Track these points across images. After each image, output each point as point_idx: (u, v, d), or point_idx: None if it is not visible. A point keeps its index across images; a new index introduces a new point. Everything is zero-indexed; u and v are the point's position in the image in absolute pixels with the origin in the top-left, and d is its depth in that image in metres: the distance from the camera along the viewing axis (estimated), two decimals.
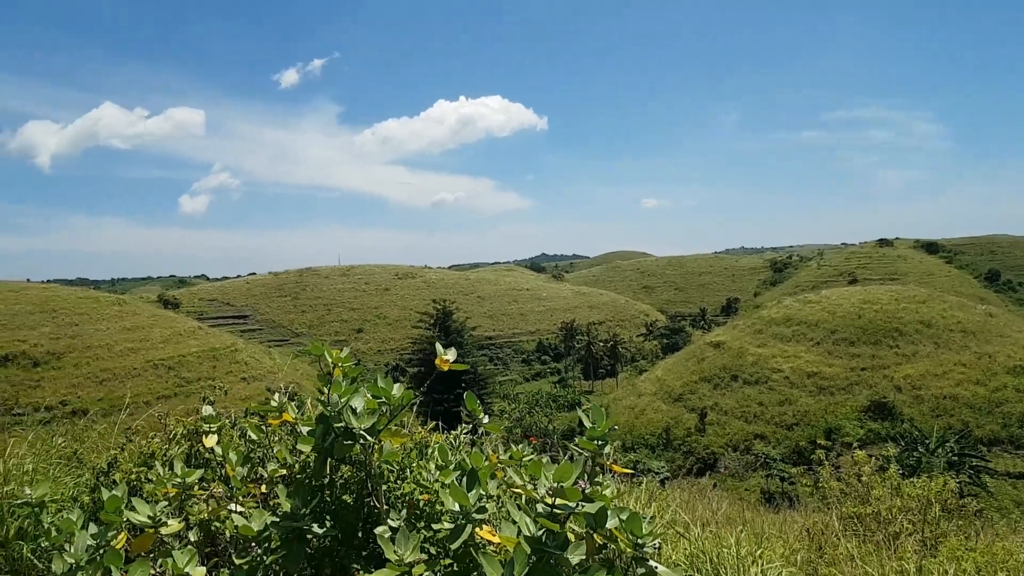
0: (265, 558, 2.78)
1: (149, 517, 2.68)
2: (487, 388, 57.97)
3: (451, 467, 3.10)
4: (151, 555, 2.76)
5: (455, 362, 3.10)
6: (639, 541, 2.63)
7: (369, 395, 2.93)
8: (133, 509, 2.70)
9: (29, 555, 3.94)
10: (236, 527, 3.00)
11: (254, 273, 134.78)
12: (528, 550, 2.46)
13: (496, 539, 2.59)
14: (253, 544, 2.92)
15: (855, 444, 36.18)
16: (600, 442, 2.86)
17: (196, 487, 3.15)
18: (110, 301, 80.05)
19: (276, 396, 3.40)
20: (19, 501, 4.15)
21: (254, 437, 3.71)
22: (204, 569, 2.69)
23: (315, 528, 2.82)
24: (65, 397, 61.14)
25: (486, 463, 2.98)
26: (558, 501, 2.54)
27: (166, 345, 71.62)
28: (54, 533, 2.67)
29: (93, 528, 2.65)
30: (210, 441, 3.73)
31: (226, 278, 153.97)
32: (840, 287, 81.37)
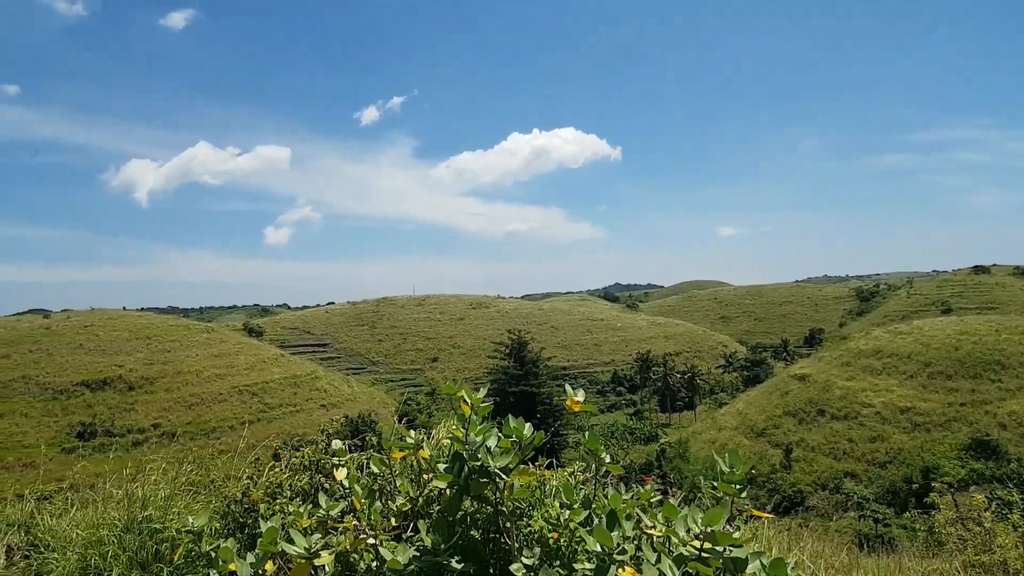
0: None
1: (305, 549, 2.78)
2: (561, 419, 57.47)
3: (576, 506, 3.10)
4: None
5: (584, 402, 3.11)
6: None
7: (502, 434, 2.97)
8: (290, 540, 2.80)
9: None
10: (375, 559, 3.07)
11: (333, 303, 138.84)
12: None
13: None
14: None
15: (956, 485, 33.89)
16: (738, 486, 2.80)
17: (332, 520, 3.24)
18: (199, 329, 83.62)
19: (412, 432, 3.48)
20: (158, 525, 4.37)
21: (375, 470, 3.79)
22: None
23: (453, 563, 2.86)
24: (157, 420, 63.92)
25: (623, 504, 2.97)
26: (706, 545, 2.50)
27: (251, 372, 74.08)
28: (220, 561, 2.79)
29: (250, 557, 2.77)
30: (340, 475, 3.82)
31: (306, 307, 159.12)
32: (933, 317, 77.15)
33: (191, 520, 3.25)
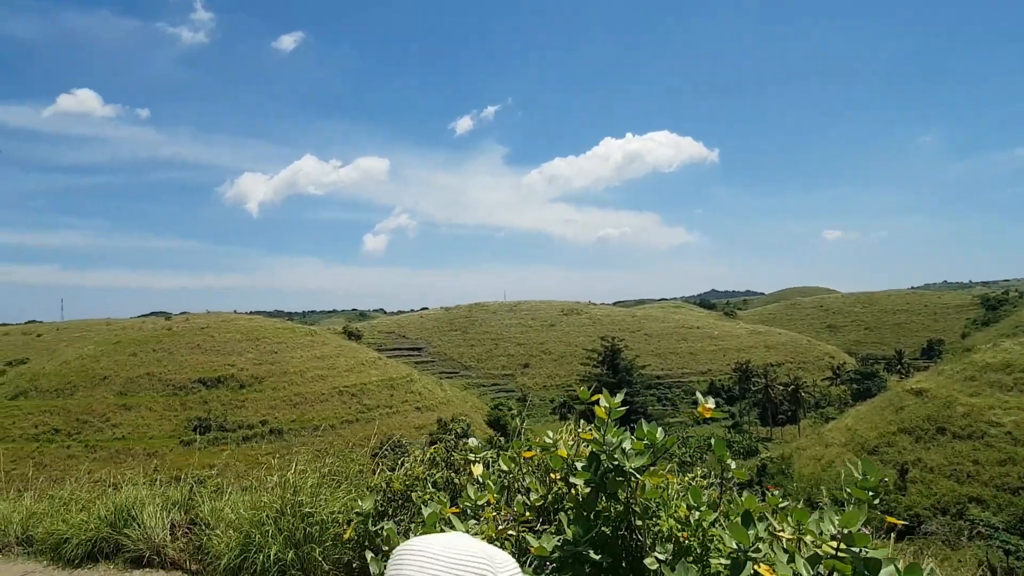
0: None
1: (470, 529, 3.10)
2: None
3: (703, 507, 3.30)
4: None
5: (715, 409, 3.30)
6: None
7: (635, 438, 3.21)
8: (450, 525, 3.13)
9: (319, 556, 4.57)
10: (514, 548, 3.36)
11: (426, 308, 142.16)
12: None
13: None
14: (534, 562, 3.24)
15: None
16: (872, 492, 2.90)
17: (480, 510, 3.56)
18: (303, 332, 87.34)
19: (551, 433, 3.76)
20: (309, 509, 4.81)
21: (503, 467, 4.08)
22: None
23: (592, 554, 3.11)
24: (264, 417, 67.24)
25: (757, 507, 3.14)
26: (842, 546, 2.64)
27: (350, 373, 76.60)
28: (391, 540, 3.15)
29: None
30: (477, 470, 4.14)
31: (401, 312, 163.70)
32: None
33: (361, 503, 3.63)
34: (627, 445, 3.23)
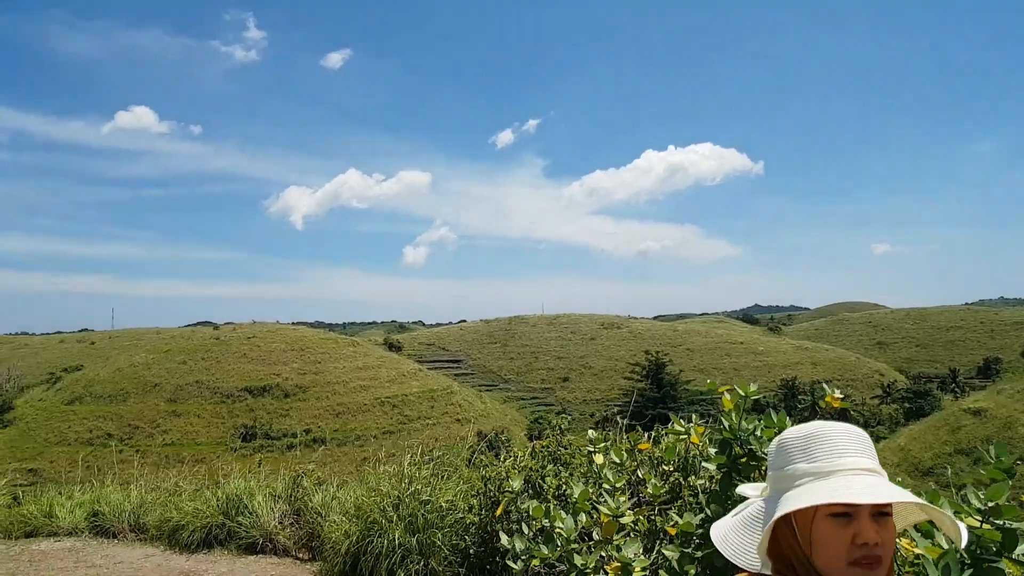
0: (696, 552, 3.33)
1: (612, 510, 3.35)
2: None
3: None
4: (611, 539, 3.43)
5: (843, 400, 3.50)
6: None
7: (764, 425, 3.43)
8: (602, 503, 3.39)
9: (439, 542, 4.87)
10: (656, 527, 3.61)
11: (465, 320, 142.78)
12: (965, 556, 2.79)
13: (916, 549, 2.93)
14: (672, 540, 3.48)
15: None
16: (1008, 472, 3.08)
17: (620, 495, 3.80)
18: (346, 343, 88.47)
19: (681, 421, 4.00)
20: (423, 499, 5.10)
21: (615, 459, 4.31)
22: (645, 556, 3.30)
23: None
24: (308, 426, 68.18)
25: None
26: (990, 519, 2.83)
27: (391, 384, 77.23)
28: (537, 516, 3.42)
29: (568, 517, 3.38)
30: (599, 459, 4.40)
31: (440, 324, 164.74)
32: None
33: (512, 482, 3.91)
34: (759, 432, 3.46)
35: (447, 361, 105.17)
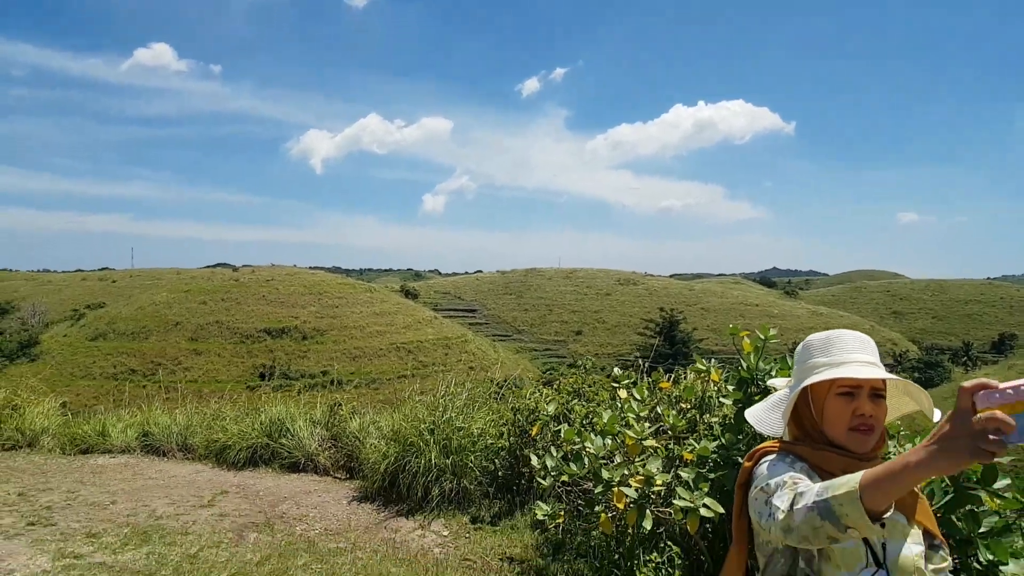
0: (709, 474, 3.74)
1: (637, 434, 3.76)
2: None
3: None
4: (634, 459, 3.84)
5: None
6: None
7: (779, 368, 3.80)
8: (628, 427, 3.80)
9: (469, 461, 5.33)
10: (674, 455, 4.02)
11: (481, 271, 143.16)
12: (948, 482, 3.18)
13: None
14: (687, 462, 3.88)
15: None
16: None
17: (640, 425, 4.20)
18: (363, 288, 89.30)
19: (703, 360, 4.38)
20: (457, 425, 5.55)
21: (637, 396, 4.69)
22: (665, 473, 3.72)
23: (741, 459, 3.75)
24: (325, 368, 69.49)
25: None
26: None
27: (407, 331, 78.09)
28: (569, 438, 3.84)
29: (597, 439, 3.80)
30: (622, 394, 4.80)
31: (456, 274, 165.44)
32: None
33: (547, 406, 4.32)
34: (775, 373, 3.84)
35: (462, 310, 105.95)
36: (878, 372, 1.41)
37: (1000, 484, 3.27)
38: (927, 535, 1.45)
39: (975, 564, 3.18)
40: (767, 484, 1.30)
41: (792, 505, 1.17)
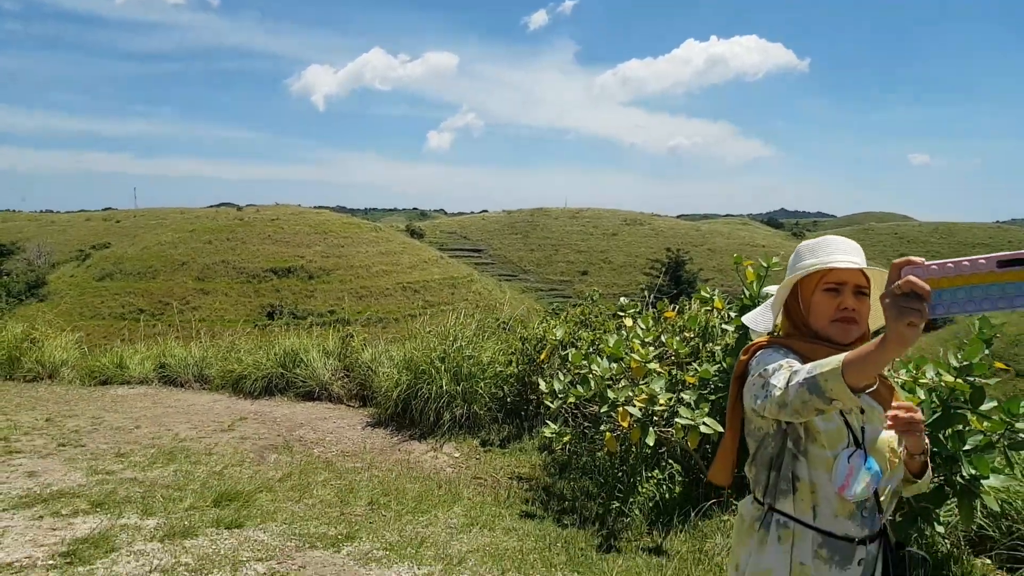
0: (709, 396, 3.90)
1: (642, 357, 3.91)
2: None
3: None
4: (638, 380, 4.00)
5: None
6: (1016, 422, 3.39)
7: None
8: (632, 353, 3.95)
9: (479, 388, 5.50)
10: (678, 379, 4.18)
11: (486, 210, 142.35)
12: (936, 402, 3.34)
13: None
14: (699, 384, 4.05)
15: None
16: (987, 342, 3.57)
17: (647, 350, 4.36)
18: (368, 228, 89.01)
19: (707, 288, 4.50)
20: (467, 354, 5.70)
21: (643, 325, 4.83)
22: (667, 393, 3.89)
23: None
24: (332, 307, 69.88)
25: None
26: (963, 377, 3.36)
27: (413, 270, 78.14)
28: (576, 361, 3.99)
29: (603, 360, 3.95)
30: (628, 322, 4.94)
31: (461, 213, 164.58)
32: None
33: (555, 332, 4.47)
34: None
35: (468, 250, 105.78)
36: (862, 265, 1.51)
37: (987, 406, 3.43)
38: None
39: (958, 479, 3.37)
40: (765, 369, 1.43)
41: (788, 383, 1.31)
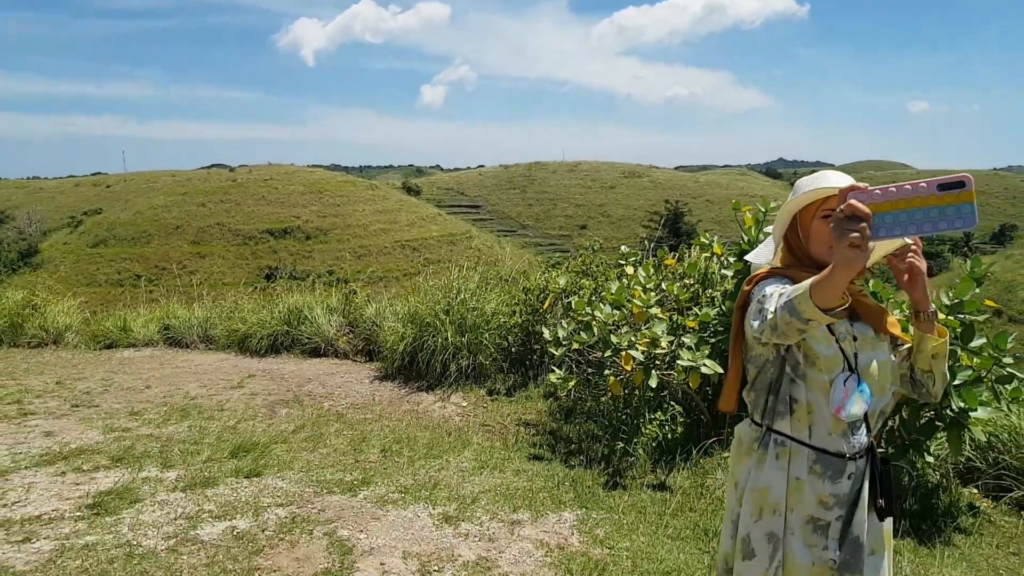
0: (709, 339, 3.99)
1: (643, 302, 3.98)
2: None
3: None
4: (640, 325, 4.08)
5: None
6: (1003, 357, 3.49)
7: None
8: (633, 299, 4.02)
9: (484, 339, 5.58)
10: (678, 323, 4.26)
11: (483, 165, 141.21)
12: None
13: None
14: (699, 327, 4.13)
15: None
16: (978, 281, 3.65)
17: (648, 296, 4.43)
18: (364, 186, 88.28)
19: (707, 234, 4.55)
20: (471, 306, 5.78)
21: (643, 273, 4.89)
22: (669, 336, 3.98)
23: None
24: (331, 267, 69.74)
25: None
26: (954, 314, 3.44)
27: (411, 228, 77.72)
28: (579, 308, 4.07)
29: (606, 307, 4.03)
30: (629, 269, 5.00)
31: (458, 169, 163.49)
32: None
33: (558, 280, 4.53)
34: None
35: (466, 206, 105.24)
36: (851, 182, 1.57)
37: (976, 343, 3.53)
38: (893, 340, 1.68)
39: (948, 412, 3.48)
40: (763, 296, 1.52)
41: (777, 306, 1.41)
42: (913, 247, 1.55)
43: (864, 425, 1.61)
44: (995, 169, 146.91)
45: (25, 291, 9.98)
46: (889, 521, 1.65)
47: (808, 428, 1.61)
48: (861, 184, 1.23)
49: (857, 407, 1.55)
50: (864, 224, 1.16)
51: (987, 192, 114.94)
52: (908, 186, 1.18)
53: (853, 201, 1.17)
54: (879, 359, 1.59)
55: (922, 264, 1.57)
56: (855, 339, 1.59)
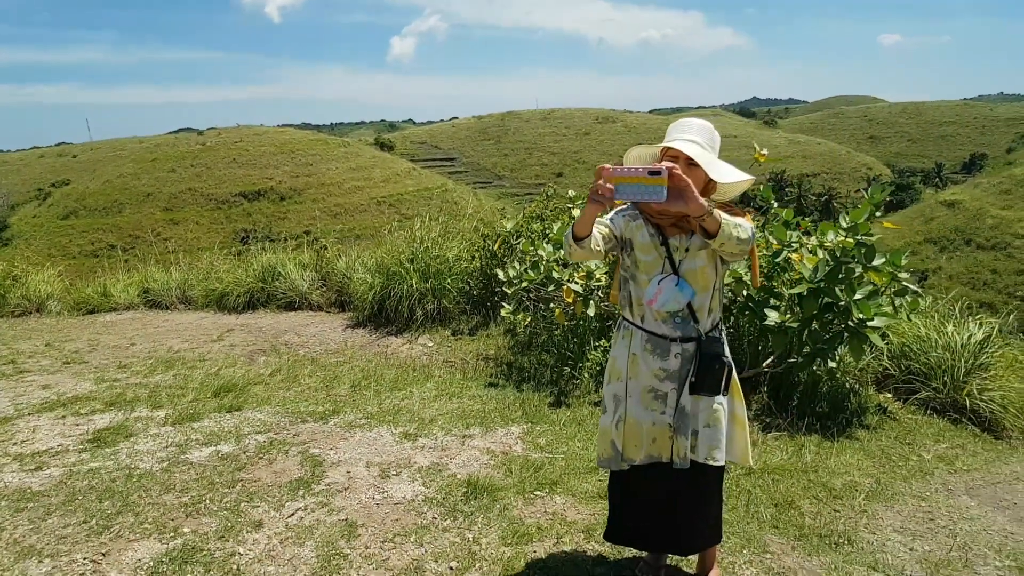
0: None
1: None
2: None
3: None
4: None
5: (768, 156, 4.37)
6: (899, 273, 3.95)
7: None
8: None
9: (447, 284, 5.98)
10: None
11: (456, 117, 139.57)
12: (830, 259, 3.86)
13: (803, 260, 4.00)
14: None
15: None
16: (876, 205, 4.08)
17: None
18: (336, 143, 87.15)
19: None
20: (434, 254, 6.14)
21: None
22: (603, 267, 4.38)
23: None
24: (307, 227, 69.35)
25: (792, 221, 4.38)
26: (849, 237, 3.87)
27: (386, 184, 77.17)
28: (526, 250, 4.46)
29: (548, 246, 4.43)
30: (576, 212, 5.39)
31: (431, 122, 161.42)
32: None
33: (506, 224, 4.91)
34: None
35: (440, 159, 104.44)
36: (686, 146, 1.94)
37: (877, 261, 3.98)
38: (705, 233, 1.93)
39: (850, 323, 3.94)
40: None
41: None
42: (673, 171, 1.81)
43: (692, 316, 2.04)
44: (965, 99, 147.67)
45: (4, 263, 10.19)
46: (723, 399, 2.08)
47: (640, 317, 2.09)
48: (608, 165, 1.78)
49: (673, 302, 2.00)
50: (606, 184, 1.74)
51: (957, 123, 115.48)
52: (634, 168, 1.76)
53: (602, 172, 1.77)
54: (698, 264, 2.00)
55: (683, 180, 1.79)
56: (687, 250, 2.00)
